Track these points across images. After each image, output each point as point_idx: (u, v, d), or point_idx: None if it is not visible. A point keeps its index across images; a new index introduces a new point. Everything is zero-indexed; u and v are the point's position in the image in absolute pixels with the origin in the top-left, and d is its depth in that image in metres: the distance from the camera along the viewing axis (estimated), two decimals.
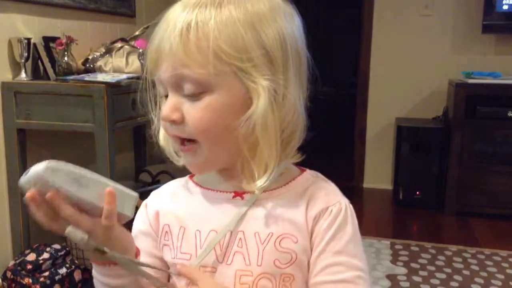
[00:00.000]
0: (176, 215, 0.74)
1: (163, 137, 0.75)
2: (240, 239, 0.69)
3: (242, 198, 0.71)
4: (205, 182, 0.76)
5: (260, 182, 0.67)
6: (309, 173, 0.75)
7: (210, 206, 0.73)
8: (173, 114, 0.67)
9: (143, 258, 0.71)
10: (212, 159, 0.70)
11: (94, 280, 0.70)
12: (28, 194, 0.58)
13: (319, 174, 0.76)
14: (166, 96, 0.69)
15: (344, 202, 0.72)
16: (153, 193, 0.81)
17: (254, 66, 0.65)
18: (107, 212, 0.60)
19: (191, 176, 0.78)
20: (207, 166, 0.72)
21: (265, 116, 0.65)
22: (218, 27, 0.64)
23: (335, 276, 0.67)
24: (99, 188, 0.59)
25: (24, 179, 0.57)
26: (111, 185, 0.60)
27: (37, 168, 0.56)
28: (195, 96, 0.66)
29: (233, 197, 0.72)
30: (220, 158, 0.70)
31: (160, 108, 0.72)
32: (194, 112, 0.66)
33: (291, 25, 0.69)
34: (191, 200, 0.75)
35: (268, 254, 0.68)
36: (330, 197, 0.71)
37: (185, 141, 0.69)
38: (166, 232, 0.74)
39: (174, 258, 0.72)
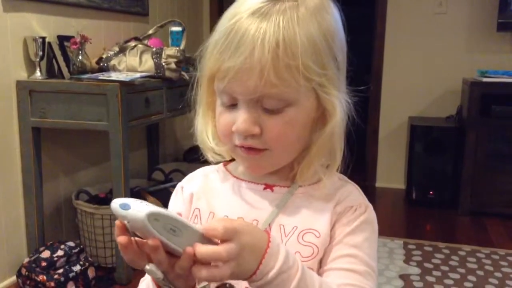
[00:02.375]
0: (207, 200, 0.76)
1: (209, 135, 0.75)
2: (266, 230, 0.70)
3: (272, 190, 0.73)
4: (237, 171, 0.77)
5: (302, 179, 0.72)
6: (336, 175, 0.76)
7: (240, 195, 0.75)
8: (254, 129, 0.66)
9: None
10: (276, 164, 0.72)
11: None
12: (124, 240, 0.58)
13: (345, 177, 0.77)
14: (231, 105, 0.68)
15: (369, 206, 0.74)
16: (187, 177, 0.82)
17: (328, 79, 0.67)
18: (184, 265, 0.57)
19: (225, 164, 0.80)
20: (269, 169, 0.73)
21: (342, 125, 0.69)
22: (304, 45, 0.64)
23: (347, 265, 0.68)
24: (189, 238, 0.57)
25: (120, 212, 0.56)
26: (199, 233, 0.58)
27: (139, 214, 0.55)
28: (275, 110, 0.66)
29: (264, 188, 0.74)
30: (283, 163, 0.72)
31: (212, 113, 0.73)
32: (274, 126, 0.66)
33: (341, 28, 0.72)
34: (223, 187, 0.77)
35: (290, 247, 0.68)
36: (357, 199, 0.74)
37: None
38: (196, 215, 0.75)
39: None
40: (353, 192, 0.74)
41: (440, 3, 3.44)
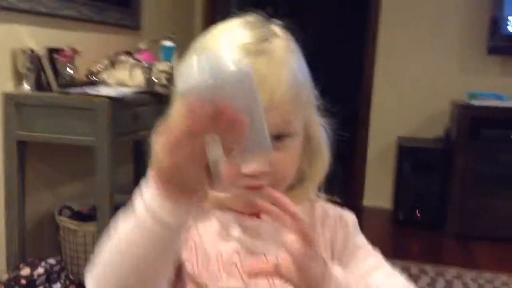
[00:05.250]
0: (200, 235, 0.72)
1: None
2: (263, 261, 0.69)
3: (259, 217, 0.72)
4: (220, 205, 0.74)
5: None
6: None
7: (228, 227, 0.72)
8: (266, 167, 0.65)
9: None
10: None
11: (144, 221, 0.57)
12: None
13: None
14: None
15: (351, 213, 0.78)
16: None
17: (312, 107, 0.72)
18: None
19: None
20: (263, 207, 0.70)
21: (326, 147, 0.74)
22: (297, 79, 0.67)
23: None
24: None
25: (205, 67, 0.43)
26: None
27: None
28: (278, 145, 0.66)
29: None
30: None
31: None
32: (281, 160, 0.67)
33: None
34: (210, 224, 0.73)
35: None
36: (339, 210, 0.78)
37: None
38: (191, 247, 0.71)
39: (194, 274, 0.69)
40: (330, 206, 0.77)
41: (432, 25, 3.46)
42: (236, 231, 0.71)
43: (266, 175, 0.66)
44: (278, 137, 0.66)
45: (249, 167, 0.64)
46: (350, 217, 0.77)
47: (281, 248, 0.60)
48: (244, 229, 0.71)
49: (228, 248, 0.70)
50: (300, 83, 0.68)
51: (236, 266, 0.69)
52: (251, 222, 0.71)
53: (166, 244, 0.56)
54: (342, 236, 0.75)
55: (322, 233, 0.74)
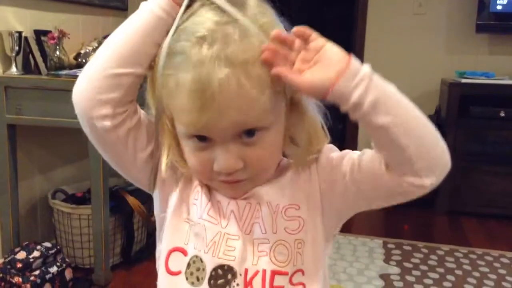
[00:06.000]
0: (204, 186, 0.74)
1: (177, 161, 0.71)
2: (257, 209, 0.70)
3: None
4: None
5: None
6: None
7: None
8: (238, 164, 0.64)
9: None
10: (257, 185, 0.70)
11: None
12: None
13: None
14: (199, 138, 0.64)
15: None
16: None
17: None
18: None
19: None
20: (249, 190, 0.71)
21: (314, 107, 0.71)
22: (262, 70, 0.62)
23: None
24: None
25: None
26: None
27: None
28: (253, 141, 0.64)
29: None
30: (263, 182, 0.71)
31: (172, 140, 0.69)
32: (257, 156, 0.65)
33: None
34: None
35: (279, 223, 0.70)
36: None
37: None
38: (198, 191, 0.73)
39: (200, 218, 0.72)
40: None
41: (419, 4, 3.46)
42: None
43: (242, 171, 0.65)
44: (249, 132, 0.64)
45: (220, 165, 0.64)
46: (323, 152, 0.73)
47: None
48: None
49: (226, 200, 0.72)
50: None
51: (234, 214, 0.71)
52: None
53: (149, 28, 0.66)
54: (324, 171, 0.72)
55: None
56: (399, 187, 0.66)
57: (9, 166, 2.02)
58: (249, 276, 0.69)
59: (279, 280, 0.69)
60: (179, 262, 0.72)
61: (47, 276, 1.87)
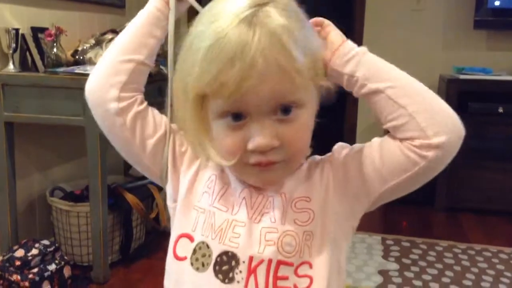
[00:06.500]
0: (223, 169, 0.75)
1: (210, 152, 0.71)
2: (270, 199, 0.71)
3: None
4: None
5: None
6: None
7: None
8: (274, 142, 0.65)
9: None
10: (288, 174, 0.72)
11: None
12: None
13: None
14: (236, 124, 0.65)
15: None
16: None
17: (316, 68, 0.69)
18: None
19: None
20: (279, 180, 0.72)
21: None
22: (300, 43, 0.64)
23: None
24: None
25: None
26: None
27: None
28: (288, 118, 0.65)
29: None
30: (293, 171, 0.72)
31: (203, 127, 0.70)
32: (292, 135, 0.66)
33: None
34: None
35: (289, 214, 0.71)
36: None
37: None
38: (212, 180, 0.75)
39: (210, 205, 0.73)
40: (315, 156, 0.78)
41: (418, 0, 3.46)
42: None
43: (275, 150, 0.65)
44: (285, 110, 0.65)
45: (255, 142, 0.64)
46: (335, 149, 0.76)
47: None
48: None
49: (240, 187, 0.73)
50: (306, 49, 0.65)
51: (245, 201, 0.72)
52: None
53: (146, 24, 0.77)
54: (336, 167, 0.73)
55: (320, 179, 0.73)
56: (412, 156, 0.67)
57: (7, 164, 2.01)
58: (253, 264, 0.69)
59: (283, 270, 0.69)
60: (185, 248, 0.72)
61: (46, 274, 1.86)
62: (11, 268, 1.84)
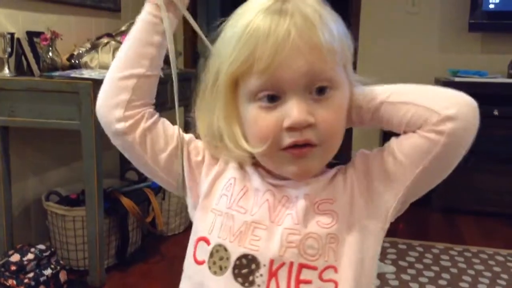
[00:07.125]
0: (245, 170, 0.75)
1: (240, 138, 0.71)
2: (293, 201, 0.71)
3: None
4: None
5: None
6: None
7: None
8: (310, 118, 0.65)
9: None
10: (323, 164, 0.72)
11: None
12: None
13: None
14: (270, 104, 0.66)
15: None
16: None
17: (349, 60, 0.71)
18: None
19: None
20: (315, 172, 0.71)
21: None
22: (330, 23, 0.67)
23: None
24: None
25: None
26: None
27: None
28: (323, 98, 0.66)
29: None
30: (326, 162, 0.72)
31: (234, 113, 0.71)
32: (327, 114, 0.66)
33: None
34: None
35: (311, 216, 0.69)
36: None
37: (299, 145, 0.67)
38: (231, 184, 0.74)
39: (229, 208, 0.72)
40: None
41: (413, 3, 3.47)
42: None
43: (311, 129, 0.65)
44: (320, 91, 0.66)
45: (292, 118, 0.64)
46: (356, 155, 0.76)
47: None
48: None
49: (264, 188, 0.72)
50: (336, 35, 0.67)
51: (268, 203, 0.71)
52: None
53: (141, 33, 0.76)
54: (361, 174, 0.73)
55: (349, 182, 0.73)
56: (431, 135, 0.67)
57: (2, 168, 2.01)
58: (274, 267, 0.67)
59: (306, 274, 0.67)
60: (203, 252, 0.72)
61: (42, 279, 1.86)
62: (7, 273, 1.83)
